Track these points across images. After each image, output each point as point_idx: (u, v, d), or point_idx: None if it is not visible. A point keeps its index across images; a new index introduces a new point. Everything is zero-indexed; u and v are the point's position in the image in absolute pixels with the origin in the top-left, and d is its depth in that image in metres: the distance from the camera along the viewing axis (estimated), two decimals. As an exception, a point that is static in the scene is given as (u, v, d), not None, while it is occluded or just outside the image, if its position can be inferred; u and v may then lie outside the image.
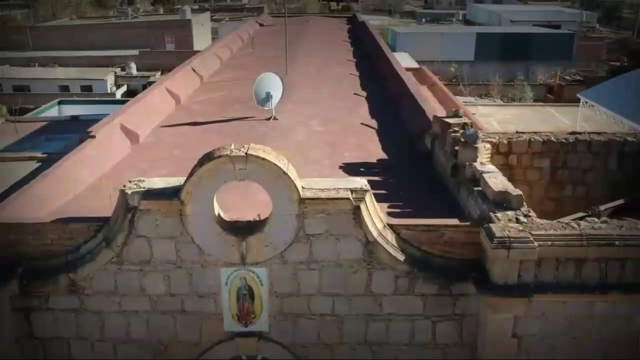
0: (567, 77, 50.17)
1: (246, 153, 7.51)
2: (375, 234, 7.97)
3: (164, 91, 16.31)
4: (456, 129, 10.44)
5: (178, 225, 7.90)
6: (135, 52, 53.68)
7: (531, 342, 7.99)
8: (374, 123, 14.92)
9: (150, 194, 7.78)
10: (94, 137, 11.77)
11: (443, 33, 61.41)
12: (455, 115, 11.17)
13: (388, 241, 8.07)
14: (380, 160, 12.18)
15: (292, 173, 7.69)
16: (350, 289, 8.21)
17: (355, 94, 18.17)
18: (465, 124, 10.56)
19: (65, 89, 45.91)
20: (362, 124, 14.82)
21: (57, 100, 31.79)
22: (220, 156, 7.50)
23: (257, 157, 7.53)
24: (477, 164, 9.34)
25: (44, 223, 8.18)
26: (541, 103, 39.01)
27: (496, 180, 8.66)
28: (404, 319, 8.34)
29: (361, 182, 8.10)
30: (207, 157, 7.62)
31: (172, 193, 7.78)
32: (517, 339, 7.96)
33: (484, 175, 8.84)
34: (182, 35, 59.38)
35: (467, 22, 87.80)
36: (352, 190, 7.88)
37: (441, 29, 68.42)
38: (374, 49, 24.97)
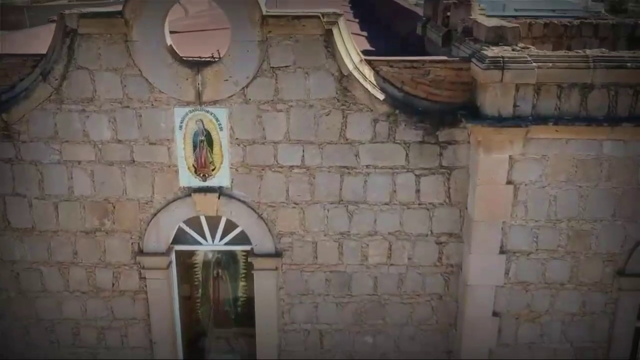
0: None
1: (199, -41, 6.51)
2: (350, 66, 6.95)
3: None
4: (448, -3, 9.44)
5: (124, 55, 6.89)
6: (133, 30, 52.83)
7: (529, 191, 6.92)
8: (364, 34, 13.94)
9: (91, 13, 6.79)
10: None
11: (445, 15, 60.43)
12: (448, -9, 10.17)
13: (366, 77, 7.05)
14: (369, 52, 11.19)
15: (252, -13, 6.69)
16: (322, 135, 7.18)
17: (347, 20, 17.16)
18: (458, -6, 9.54)
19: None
20: (353, 33, 13.80)
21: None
22: (168, -38, 6.52)
23: (212, -37, 6.53)
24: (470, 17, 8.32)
25: (-26, 58, 7.21)
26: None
27: (490, 20, 7.64)
28: (383, 172, 7.29)
29: (333, 9, 7.10)
30: (156, -33, 6.63)
31: (115, 12, 6.78)
32: (512, 187, 6.89)
33: (477, 19, 7.81)
34: (182, 15, 58.51)
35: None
36: (323, 14, 6.87)
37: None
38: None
